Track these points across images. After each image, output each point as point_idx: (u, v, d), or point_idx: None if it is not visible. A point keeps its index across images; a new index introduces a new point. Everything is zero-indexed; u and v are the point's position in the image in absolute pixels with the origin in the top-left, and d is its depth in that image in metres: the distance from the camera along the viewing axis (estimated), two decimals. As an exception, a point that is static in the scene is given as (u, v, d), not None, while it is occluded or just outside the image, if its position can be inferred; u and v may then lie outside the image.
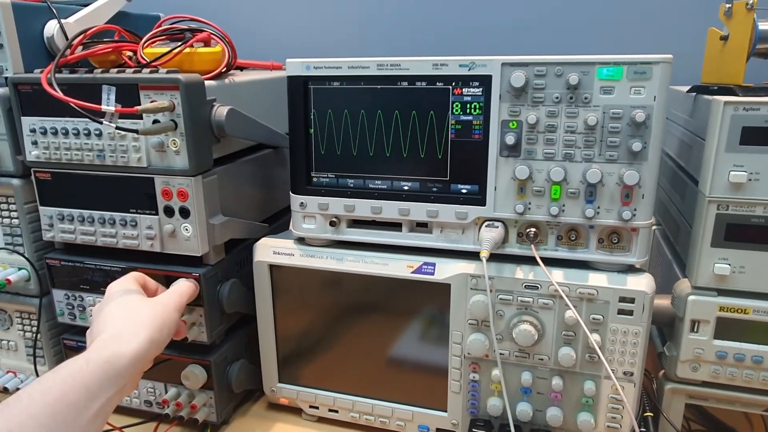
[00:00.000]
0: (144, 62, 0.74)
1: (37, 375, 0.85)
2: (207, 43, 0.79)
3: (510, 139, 0.64)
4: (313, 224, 0.76)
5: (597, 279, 0.66)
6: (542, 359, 0.69)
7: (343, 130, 0.71)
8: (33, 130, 0.75)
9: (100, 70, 0.72)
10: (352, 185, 0.73)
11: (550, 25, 1.07)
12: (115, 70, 0.71)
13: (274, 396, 0.85)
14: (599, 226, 0.65)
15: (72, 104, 0.65)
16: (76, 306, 0.81)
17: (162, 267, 0.75)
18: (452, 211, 0.69)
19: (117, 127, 0.68)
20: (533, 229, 0.67)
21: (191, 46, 0.76)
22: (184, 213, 0.72)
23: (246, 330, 0.85)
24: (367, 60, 0.68)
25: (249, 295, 0.81)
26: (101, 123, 0.68)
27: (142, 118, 0.69)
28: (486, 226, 0.68)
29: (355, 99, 0.70)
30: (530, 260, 0.67)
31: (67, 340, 0.83)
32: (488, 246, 0.65)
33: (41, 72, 0.69)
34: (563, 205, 0.65)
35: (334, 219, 0.74)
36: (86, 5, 0.86)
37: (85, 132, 0.73)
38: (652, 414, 0.71)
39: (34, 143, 0.75)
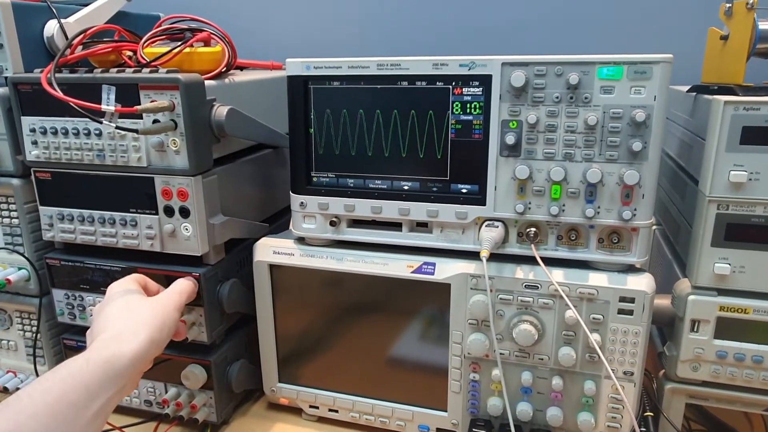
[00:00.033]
0: (144, 62, 0.74)
1: (37, 375, 0.85)
2: (207, 42, 0.79)
3: (510, 139, 0.64)
4: (313, 224, 0.76)
5: (597, 279, 0.66)
6: (542, 359, 0.69)
7: (343, 129, 0.71)
8: (33, 130, 0.75)
9: (99, 69, 0.72)
10: (352, 185, 0.73)
11: (550, 24, 1.07)
12: (115, 69, 0.71)
13: (274, 396, 0.85)
14: (599, 226, 0.65)
15: (72, 104, 0.65)
16: (76, 306, 0.81)
17: (162, 267, 0.75)
18: (452, 210, 0.69)
19: (117, 127, 0.68)
20: (533, 229, 0.67)
21: (191, 45, 0.76)
22: (184, 213, 0.72)
23: (246, 330, 0.85)
24: (367, 60, 0.68)
25: (249, 294, 0.81)
26: (101, 123, 0.68)
27: (142, 118, 0.69)
28: (486, 226, 0.68)
29: (355, 99, 0.70)
30: (530, 260, 0.67)
31: (67, 339, 0.83)
32: (488, 246, 0.65)
33: (41, 72, 0.69)
34: (563, 205, 0.65)
35: (334, 219, 0.74)
36: (86, 5, 0.86)
37: (85, 132, 0.73)
38: (652, 414, 0.71)
39: (34, 143, 0.75)
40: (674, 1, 1.00)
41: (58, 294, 0.82)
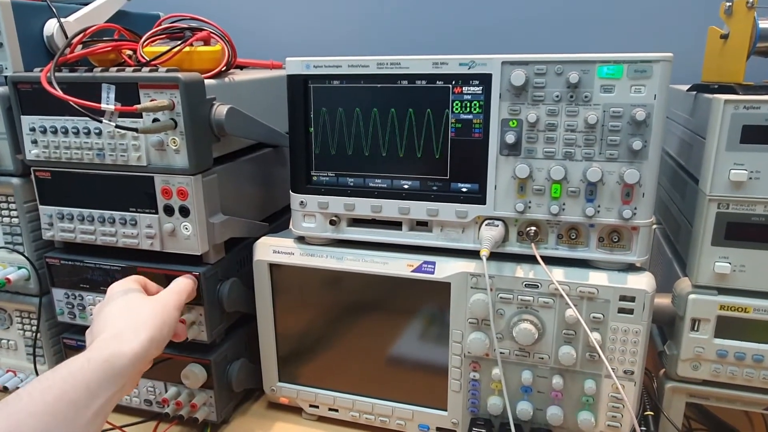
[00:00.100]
0: (144, 61, 0.74)
1: (37, 374, 0.85)
2: (207, 41, 0.79)
3: (510, 138, 0.64)
4: (313, 223, 0.76)
5: (597, 278, 0.66)
6: (542, 358, 0.69)
7: (342, 128, 0.71)
8: (33, 129, 0.75)
9: (99, 68, 0.72)
10: (352, 184, 0.73)
11: (550, 23, 1.07)
12: (115, 68, 0.71)
13: (274, 395, 0.85)
14: (599, 225, 0.65)
15: (72, 103, 0.65)
16: (76, 305, 0.81)
17: (162, 266, 0.75)
18: (452, 209, 0.69)
19: (117, 126, 0.68)
20: (533, 228, 0.67)
21: (191, 44, 0.76)
22: (184, 212, 0.72)
23: (246, 329, 0.85)
24: (367, 59, 0.68)
25: (249, 294, 0.81)
26: (101, 122, 0.68)
27: (141, 117, 0.69)
28: (486, 225, 0.68)
29: (355, 98, 0.70)
30: (530, 259, 0.67)
31: (66, 339, 0.83)
32: (488, 245, 0.65)
33: (41, 71, 0.69)
34: (563, 204, 0.65)
35: (334, 218, 0.74)
36: (86, 4, 0.86)
37: (85, 131, 0.73)
38: (652, 413, 0.71)
39: (34, 142, 0.75)
40: None
41: (57, 293, 0.82)
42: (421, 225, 0.73)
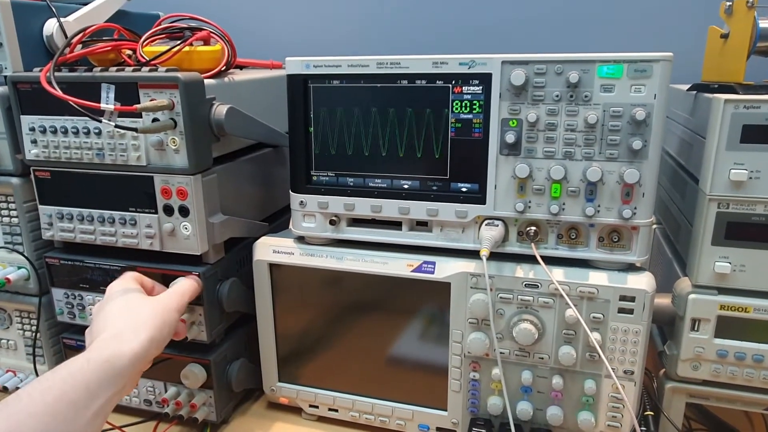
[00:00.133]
0: (143, 61, 0.73)
1: (37, 374, 0.85)
2: (206, 41, 0.79)
3: (510, 138, 0.64)
4: (313, 223, 0.76)
5: (597, 278, 0.66)
6: (542, 358, 0.69)
7: (342, 128, 0.71)
8: (32, 129, 0.75)
9: (99, 68, 0.72)
10: (351, 184, 0.73)
11: (551, 23, 1.07)
12: (115, 68, 0.71)
13: (274, 395, 0.84)
14: (599, 225, 0.65)
15: (71, 102, 0.65)
16: (76, 305, 0.81)
17: (161, 266, 0.75)
18: (452, 209, 0.69)
19: (116, 126, 0.68)
20: (533, 228, 0.67)
21: (191, 44, 0.76)
22: (184, 212, 0.72)
23: (246, 329, 0.85)
24: (367, 59, 0.68)
25: (249, 294, 0.81)
26: (100, 121, 0.68)
27: (141, 117, 0.69)
28: (486, 225, 0.68)
29: (354, 97, 0.70)
30: (530, 259, 0.67)
31: (66, 339, 0.83)
32: (488, 244, 0.65)
33: (40, 70, 0.69)
34: (563, 204, 0.65)
35: (333, 218, 0.74)
36: (86, 4, 0.86)
37: (85, 131, 0.73)
38: (652, 413, 0.71)
39: (34, 142, 0.75)
40: (674, -1, 1.00)
41: (57, 293, 0.82)
42: (421, 225, 0.73)
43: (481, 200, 0.68)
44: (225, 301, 0.77)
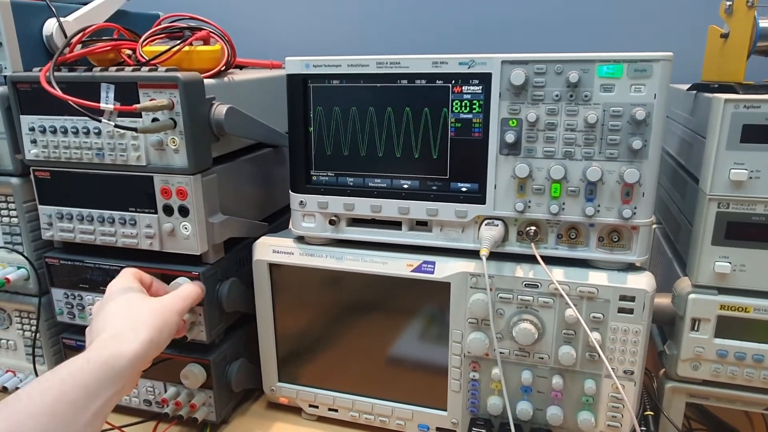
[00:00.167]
0: (143, 60, 0.73)
1: (37, 374, 0.85)
2: (206, 41, 0.79)
3: (510, 137, 0.64)
4: (313, 223, 0.76)
5: (597, 277, 0.66)
6: (542, 358, 0.69)
7: (342, 128, 0.71)
8: (32, 129, 0.75)
9: (98, 68, 0.72)
10: (351, 184, 0.73)
11: (550, 23, 1.07)
12: (114, 68, 0.71)
13: (274, 395, 0.84)
14: (599, 225, 0.65)
15: (71, 102, 0.65)
16: (76, 305, 0.81)
17: (161, 266, 0.75)
18: (452, 209, 0.69)
19: (116, 126, 0.68)
20: (533, 228, 0.67)
21: (190, 44, 0.76)
22: (183, 212, 0.72)
23: (245, 329, 0.85)
24: (367, 58, 0.68)
25: (248, 294, 0.81)
26: (100, 121, 0.68)
27: (141, 117, 0.69)
28: (486, 225, 0.68)
29: (354, 97, 0.70)
30: (530, 259, 0.67)
31: (66, 339, 0.83)
32: (488, 244, 0.65)
33: (40, 70, 0.69)
34: (563, 204, 0.65)
35: (333, 218, 0.74)
36: (85, 4, 0.86)
37: (84, 130, 0.73)
38: (652, 413, 0.71)
39: (33, 142, 0.75)
40: (674, -1, 1.00)
41: (57, 293, 0.82)
42: (421, 225, 0.73)
43: (481, 200, 0.68)
44: (225, 301, 0.77)
